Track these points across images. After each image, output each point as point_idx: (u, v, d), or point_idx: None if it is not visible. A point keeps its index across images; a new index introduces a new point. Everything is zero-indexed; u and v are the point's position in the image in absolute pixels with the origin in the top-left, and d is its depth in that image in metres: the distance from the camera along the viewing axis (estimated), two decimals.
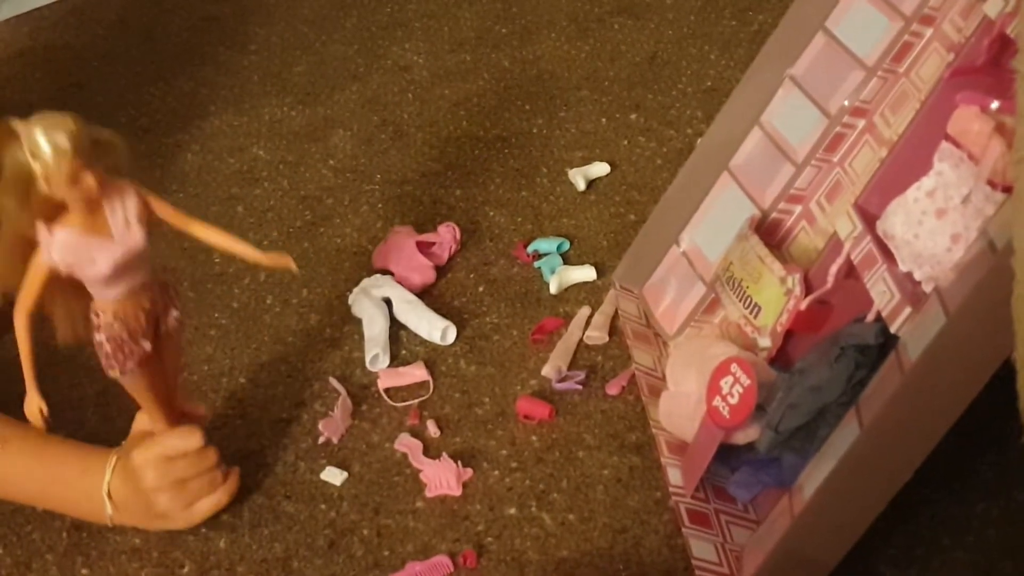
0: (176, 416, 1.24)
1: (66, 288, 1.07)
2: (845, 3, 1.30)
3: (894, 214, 1.09)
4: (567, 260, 1.57)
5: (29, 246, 1.04)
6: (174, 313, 1.17)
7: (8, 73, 2.11)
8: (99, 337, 1.11)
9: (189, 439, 1.21)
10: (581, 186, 1.69)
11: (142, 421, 1.26)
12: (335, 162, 1.80)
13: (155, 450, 1.20)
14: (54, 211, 1.03)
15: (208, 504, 1.24)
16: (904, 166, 1.13)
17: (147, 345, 1.14)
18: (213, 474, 1.24)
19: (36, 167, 0.98)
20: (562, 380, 1.39)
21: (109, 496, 1.22)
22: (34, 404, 1.09)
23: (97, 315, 1.10)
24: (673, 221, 1.42)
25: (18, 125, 0.99)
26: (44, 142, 0.98)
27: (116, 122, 1.93)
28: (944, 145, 1.07)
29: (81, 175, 1.00)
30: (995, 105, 1.03)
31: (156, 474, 1.20)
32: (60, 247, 1.03)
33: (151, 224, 1.08)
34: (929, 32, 1.21)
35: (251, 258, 1.14)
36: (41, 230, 1.03)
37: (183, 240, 1.64)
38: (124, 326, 1.11)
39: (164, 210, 1.10)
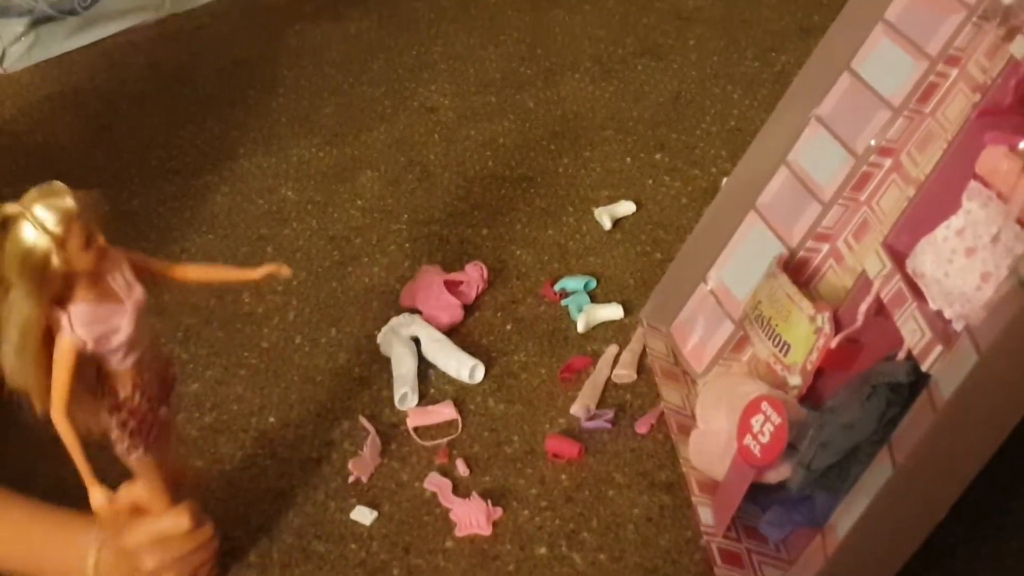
0: (172, 485, 1.19)
1: (75, 382, 1.04)
2: (870, 44, 1.31)
3: (923, 252, 1.10)
4: (594, 298, 1.58)
5: (43, 338, 1.00)
6: (172, 370, 1.16)
7: (38, 116, 2.13)
8: (120, 417, 1.09)
9: (180, 521, 1.17)
10: (607, 225, 1.70)
11: (130, 492, 1.17)
12: (363, 202, 1.81)
13: (148, 534, 1.16)
14: (61, 293, 1.00)
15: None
16: (933, 205, 1.14)
17: (164, 411, 1.13)
18: (210, 547, 1.20)
19: (46, 242, 0.95)
20: (591, 418, 1.39)
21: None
22: (99, 498, 1.07)
23: (116, 393, 1.08)
24: (700, 259, 1.43)
25: (12, 208, 0.96)
26: (50, 213, 0.95)
27: (146, 164, 1.96)
28: (973, 184, 1.07)
29: (92, 235, 0.98)
30: (1023, 145, 1.04)
31: (154, 556, 1.16)
32: (82, 321, 1.00)
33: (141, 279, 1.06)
34: (954, 72, 1.22)
35: (243, 278, 1.14)
36: (58, 313, 1.00)
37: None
38: (144, 396, 1.09)
39: (146, 261, 1.08)
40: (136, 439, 1.11)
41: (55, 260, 0.96)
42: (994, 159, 1.06)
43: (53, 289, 0.99)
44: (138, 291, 1.05)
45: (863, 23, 1.32)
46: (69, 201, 0.96)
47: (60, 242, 0.96)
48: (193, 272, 1.13)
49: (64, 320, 1.00)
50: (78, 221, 0.96)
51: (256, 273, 1.12)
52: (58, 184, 0.98)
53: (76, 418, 1.05)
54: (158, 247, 1.76)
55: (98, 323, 1.02)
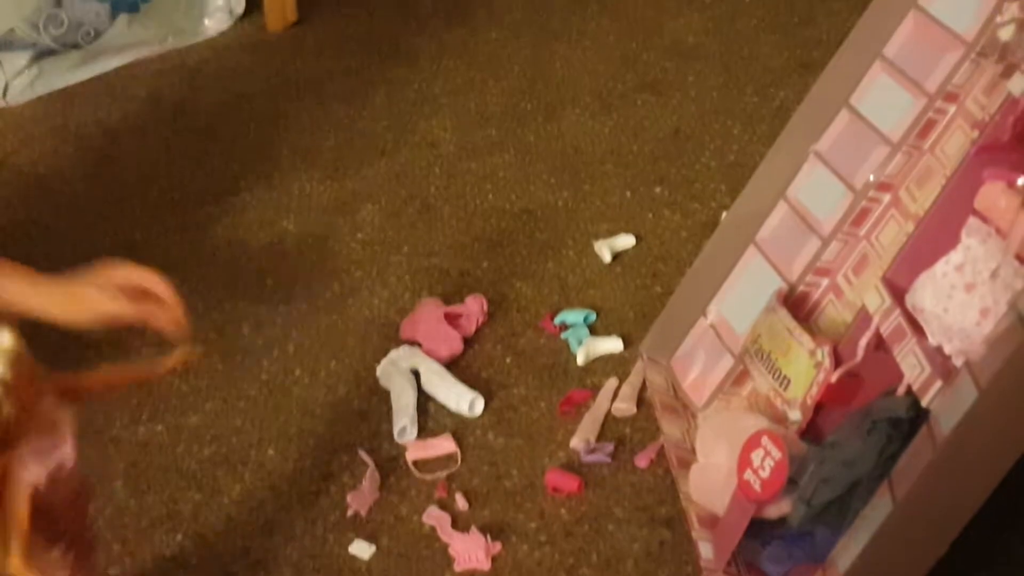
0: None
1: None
2: (869, 80, 1.32)
3: (923, 287, 1.10)
4: (594, 331, 1.58)
5: None
6: (89, 479, 1.10)
7: (41, 148, 2.14)
8: (61, 546, 1.01)
9: None
10: (607, 258, 1.70)
11: None
12: (363, 235, 1.82)
13: None
14: (5, 438, 0.91)
15: None
16: (932, 240, 1.14)
17: (94, 525, 1.08)
18: None
19: None
20: (591, 452, 1.39)
21: None
22: None
23: (55, 523, 1.00)
24: (700, 293, 1.43)
25: None
26: None
27: (148, 196, 1.96)
28: (972, 220, 1.08)
29: (35, 369, 0.92)
30: (1022, 181, 1.04)
31: None
32: (35, 459, 0.93)
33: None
34: (953, 109, 1.22)
35: (157, 372, 1.08)
36: (6, 459, 0.92)
37: (212, 313, 1.67)
38: (81, 517, 1.05)
39: (60, 380, 1.00)
40: (82, 562, 1.05)
41: (5, 408, 0.90)
42: (993, 195, 1.07)
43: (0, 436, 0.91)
44: (68, 412, 0.98)
45: (862, 60, 1.33)
46: (8, 339, 0.90)
47: (9, 387, 0.89)
48: (105, 378, 1.08)
49: (15, 464, 0.92)
50: (23, 355, 0.90)
51: (171, 360, 1.06)
52: None
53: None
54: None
55: (48, 456, 0.95)
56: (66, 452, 0.97)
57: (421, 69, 2.23)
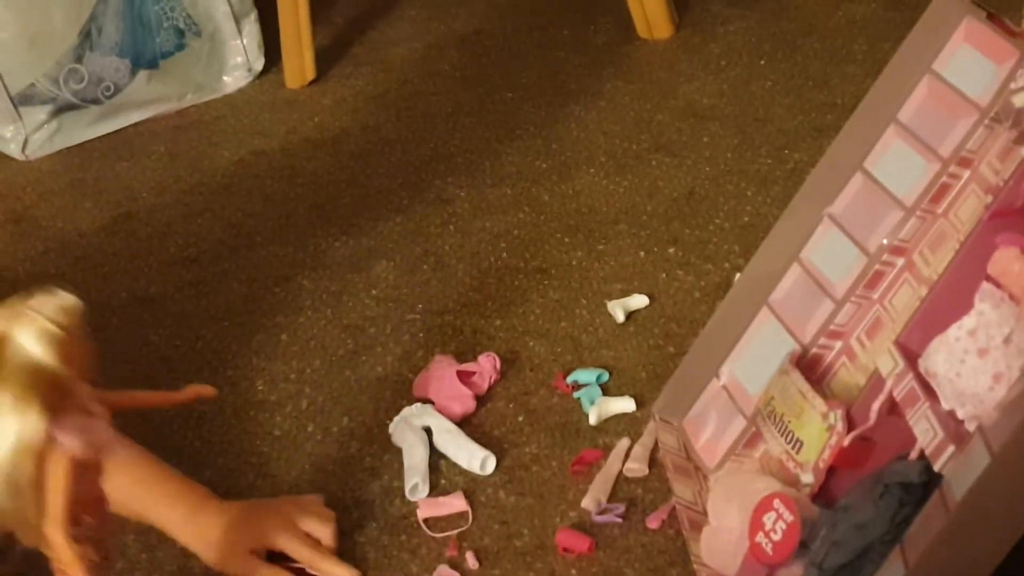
0: None
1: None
2: (883, 145, 1.33)
3: (936, 352, 1.10)
4: (606, 391, 1.58)
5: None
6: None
7: (59, 203, 2.16)
8: (83, 550, 0.96)
9: None
10: (620, 318, 1.70)
11: None
12: (377, 292, 1.83)
13: None
14: (55, 403, 0.90)
15: None
16: (945, 305, 1.15)
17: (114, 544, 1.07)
18: None
19: (55, 344, 0.87)
20: (602, 512, 1.39)
21: None
22: None
23: (79, 522, 0.96)
24: (713, 354, 1.43)
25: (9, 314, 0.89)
26: (53, 312, 0.89)
27: (165, 251, 1.98)
28: (985, 285, 1.08)
29: (87, 334, 0.91)
30: None
31: None
32: (80, 430, 0.92)
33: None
34: (967, 174, 1.23)
35: (173, 399, 1.09)
36: (52, 423, 0.89)
37: (227, 369, 1.68)
38: (106, 524, 1.02)
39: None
40: (104, 565, 1.00)
41: (57, 364, 0.89)
42: (1006, 260, 1.07)
43: (53, 399, 0.90)
44: (101, 407, 0.97)
45: (876, 124, 1.34)
46: (68, 297, 0.91)
47: (68, 343, 0.89)
48: (135, 400, 1.08)
49: (61, 432, 0.91)
50: (80, 326, 0.91)
51: (180, 395, 1.08)
52: (47, 286, 0.92)
53: None
54: (174, 333, 1.78)
55: (91, 432, 0.94)
56: (105, 434, 0.96)
57: (437, 128, 2.25)
